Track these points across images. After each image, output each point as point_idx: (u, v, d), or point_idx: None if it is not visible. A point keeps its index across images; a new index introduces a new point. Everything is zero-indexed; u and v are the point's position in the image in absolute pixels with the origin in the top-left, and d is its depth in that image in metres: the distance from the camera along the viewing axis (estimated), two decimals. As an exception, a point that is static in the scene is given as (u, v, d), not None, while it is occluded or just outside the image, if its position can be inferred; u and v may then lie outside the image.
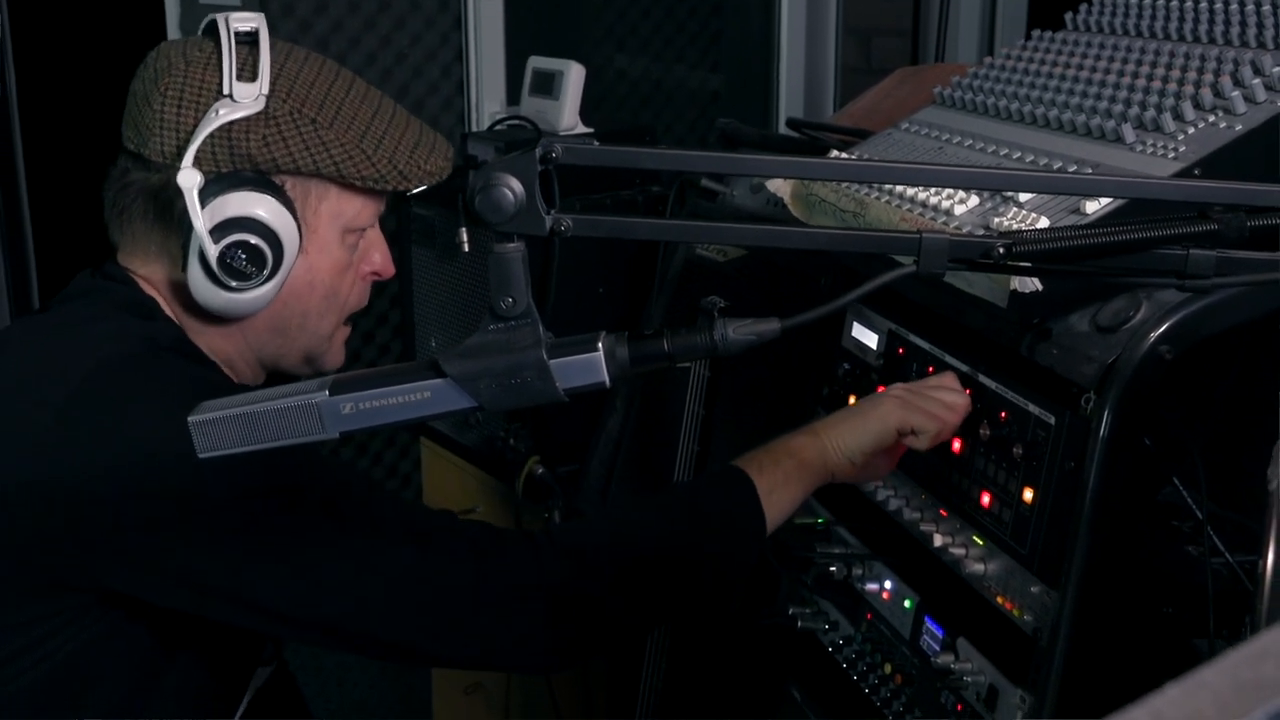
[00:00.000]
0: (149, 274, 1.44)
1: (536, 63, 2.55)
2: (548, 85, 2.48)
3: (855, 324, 1.64)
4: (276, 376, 1.53)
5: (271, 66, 1.37)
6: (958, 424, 1.41)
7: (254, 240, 1.34)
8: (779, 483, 1.44)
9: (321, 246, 1.44)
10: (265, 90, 1.35)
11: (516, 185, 0.90)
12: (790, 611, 1.67)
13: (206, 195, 1.33)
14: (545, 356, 0.94)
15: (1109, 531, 1.25)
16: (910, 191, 1.45)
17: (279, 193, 1.37)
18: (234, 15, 1.38)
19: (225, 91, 1.35)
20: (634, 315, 2.31)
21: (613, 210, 2.34)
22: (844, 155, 1.68)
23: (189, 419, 0.97)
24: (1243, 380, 1.29)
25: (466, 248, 2.42)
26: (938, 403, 1.41)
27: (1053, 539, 1.28)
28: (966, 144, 1.55)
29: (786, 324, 0.94)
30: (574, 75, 2.45)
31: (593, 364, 0.95)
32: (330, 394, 0.96)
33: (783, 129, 3.51)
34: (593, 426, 2.27)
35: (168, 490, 1.28)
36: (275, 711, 1.61)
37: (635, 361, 0.95)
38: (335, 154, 1.38)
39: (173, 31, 3.24)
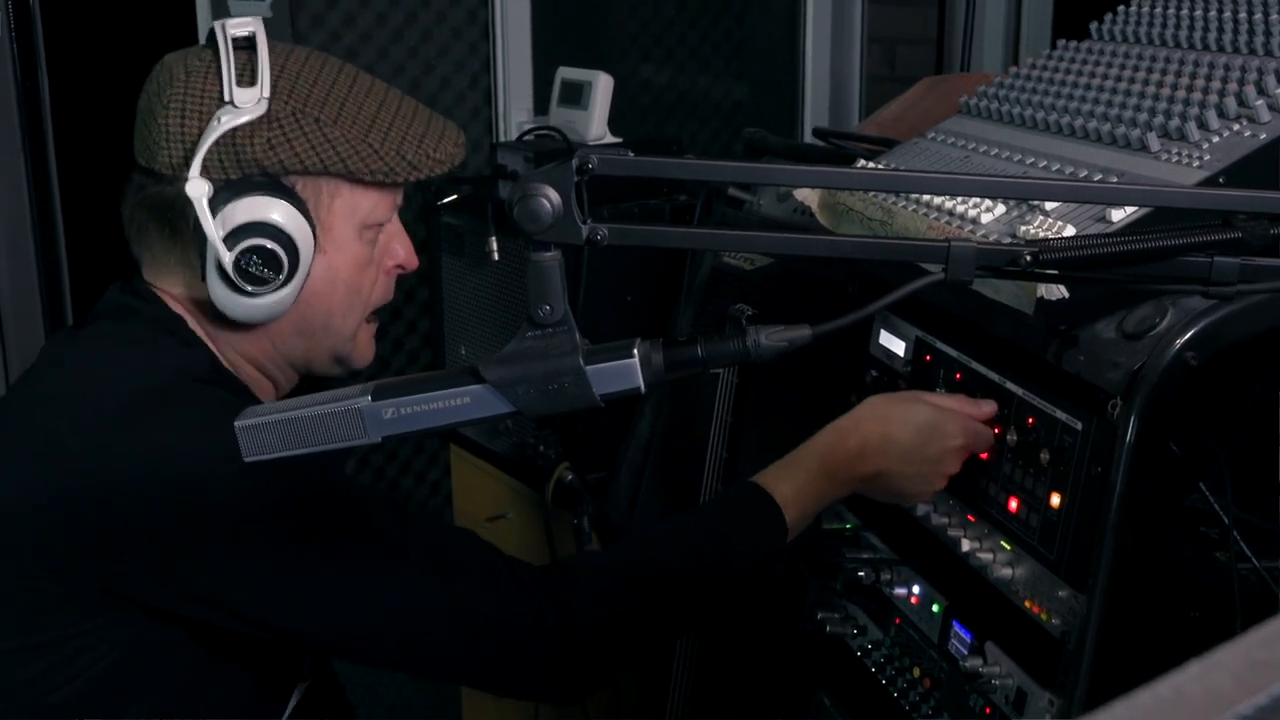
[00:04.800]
0: (172, 288, 1.45)
1: (565, 73, 2.57)
2: (576, 95, 2.50)
3: (883, 331, 1.65)
4: (309, 379, 1.55)
5: (271, 69, 1.37)
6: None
7: (268, 244, 1.34)
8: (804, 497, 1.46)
9: (339, 244, 1.44)
10: (266, 93, 1.35)
11: (554, 195, 0.92)
12: (819, 616, 1.68)
13: (217, 203, 1.33)
14: (582, 363, 0.96)
15: (1136, 536, 1.26)
16: (937, 200, 1.46)
17: (290, 194, 1.37)
18: (231, 21, 1.38)
19: (226, 98, 1.35)
20: (661, 323, 2.33)
21: (644, 220, 2.36)
22: (874, 165, 1.69)
23: (235, 423, 1.00)
24: (1268, 386, 1.30)
25: (496, 256, 2.45)
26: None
27: (1080, 544, 1.29)
28: (993, 153, 1.56)
29: (818, 330, 0.96)
30: (603, 85, 2.47)
31: (628, 370, 0.97)
32: (373, 399, 0.98)
33: (808, 138, 3.52)
34: (622, 433, 2.29)
35: (194, 506, 1.30)
36: None
37: (670, 368, 0.97)
38: (341, 150, 1.38)
39: (204, 39, 3.28)
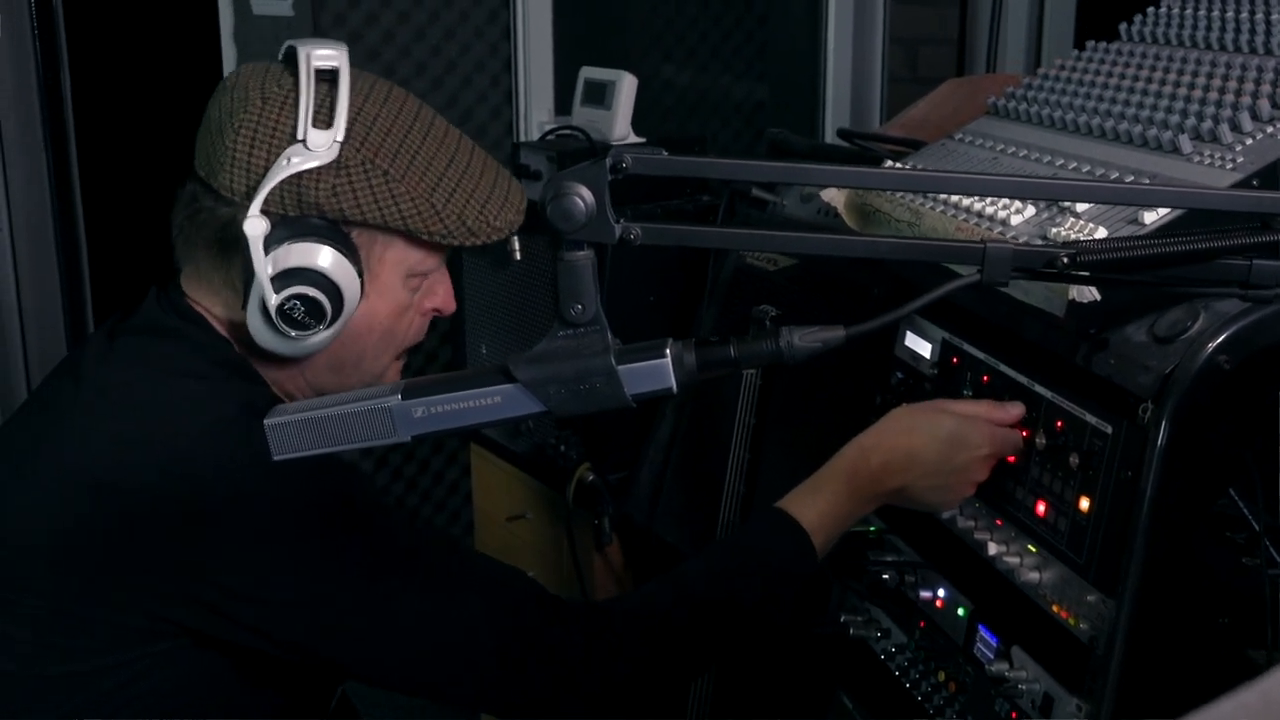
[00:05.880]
0: (213, 306, 1.43)
1: (589, 73, 2.56)
2: (600, 95, 2.50)
3: (909, 333, 1.64)
4: None
5: (350, 110, 1.33)
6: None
7: (313, 294, 1.32)
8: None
9: (383, 291, 1.42)
10: (340, 137, 1.32)
11: (587, 194, 0.91)
12: (842, 619, 1.67)
13: (271, 242, 1.31)
14: (614, 363, 0.96)
15: (1165, 541, 1.25)
16: (966, 202, 1.45)
17: (345, 242, 1.35)
18: (316, 51, 1.34)
19: (299, 137, 1.32)
20: (684, 324, 2.32)
21: (671, 220, 2.36)
22: (904, 166, 1.68)
23: (265, 421, 1.00)
24: (1301, 390, 1.29)
25: (518, 256, 2.44)
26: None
27: (1109, 548, 1.28)
28: (1021, 154, 1.55)
29: (852, 332, 0.95)
30: (626, 85, 2.47)
31: (661, 370, 0.97)
32: (403, 398, 0.98)
33: (829, 139, 3.51)
34: (644, 434, 2.28)
35: (247, 535, 1.31)
36: None
37: (703, 368, 0.97)
38: (404, 208, 1.36)
39: (226, 42, 3.28)
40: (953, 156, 1.64)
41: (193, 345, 1.41)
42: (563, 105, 3.20)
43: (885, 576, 1.59)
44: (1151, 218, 1.25)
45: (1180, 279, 0.95)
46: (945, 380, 1.56)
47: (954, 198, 1.47)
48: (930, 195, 1.50)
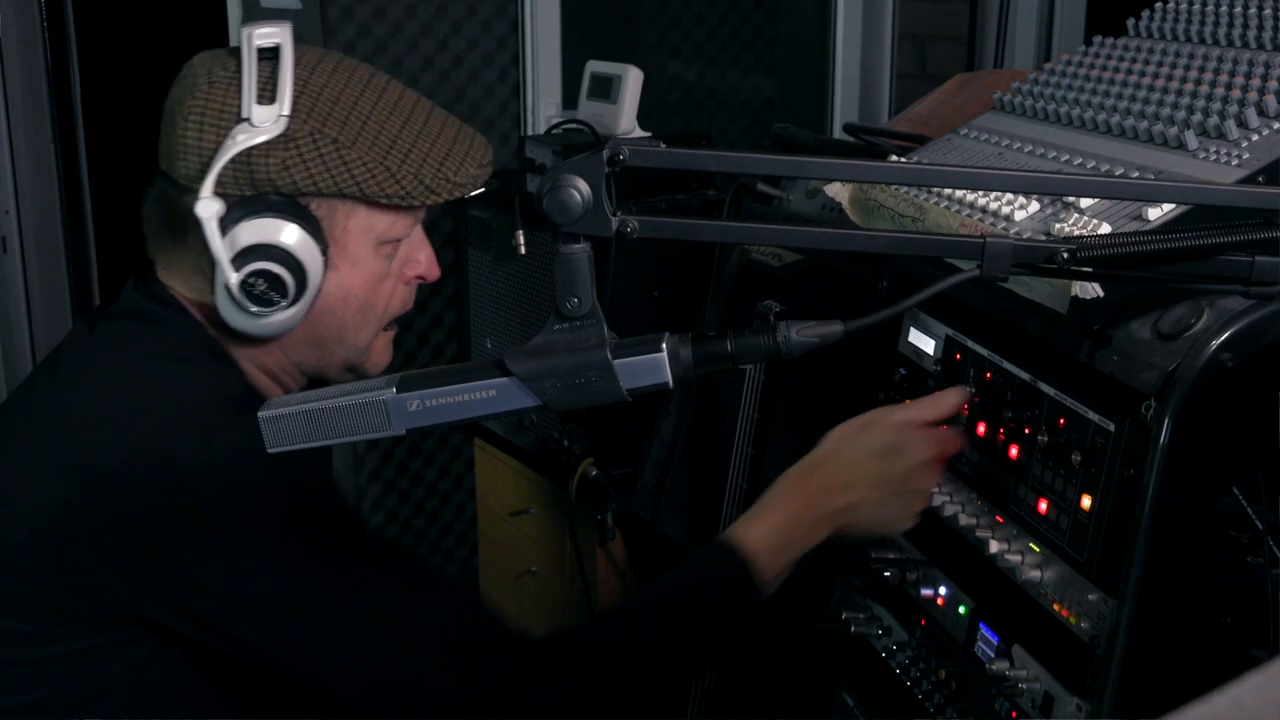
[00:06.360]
0: (187, 293, 1.44)
1: (595, 67, 2.56)
2: (606, 89, 2.49)
3: (912, 329, 1.63)
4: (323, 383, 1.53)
5: (294, 84, 1.34)
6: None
7: (273, 268, 1.32)
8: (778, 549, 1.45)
9: (353, 261, 1.42)
10: (285, 111, 1.33)
11: (584, 187, 0.91)
12: (844, 616, 1.67)
13: (228, 222, 1.32)
14: (610, 357, 0.95)
15: (1168, 540, 1.24)
16: (969, 197, 1.45)
17: (303, 215, 1.35)
18: (258, 30, 1.34)
19: (244, 115, 1.32)
20: (689, 318, 2.32)
21: (665, 214, 2.35)
22: (901, 161, 1.68)
23: (259, 414, 0.99)
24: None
25: (523, 250, 2.44)
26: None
27: (1111, 547, 1.27)
28: (1027, 149, 1.54)
29: (850, 326, 0.95)
30: (632, 79, 2.46)
31: (657, 364, 0.96)
32: (398, 391, 0.98)
33: (838, 135, 3.51)
34: (647, 429, 2.28)
35: (218, 527, 1.30)
36: None
37: (699, 362, 0.96)
38: (357, 174, 1.36)
39: (235, 36, 3.28)
40: (957, 152, 1.63)
41: (167, 327, 1.42)
42: (570, 99, 3.19)
43: (887, 574, 1.58)
44: (1156, 214, 1.24)
45: (1183, 276, 0.94)
46: (948, 377, 1.56)
47: (958, 193, 1.46)
48: (934, 190, 1.49)
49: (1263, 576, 1.29)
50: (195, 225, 1.34)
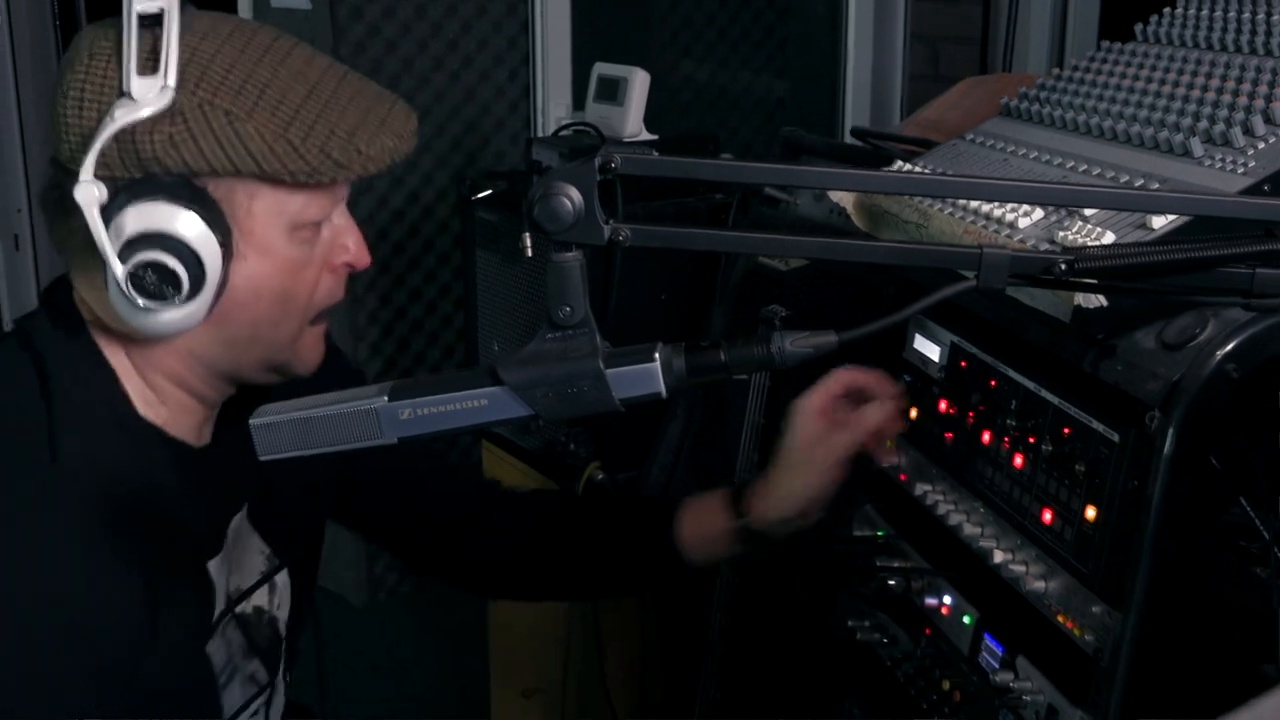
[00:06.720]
0: (84, 287, 1.31)
1: (602, 69, 2.55)
2: (612, 91, 2.48)
3: (918, 336, 1.62)
4: (247, 387, 1.41)
5: (181, 52, 1.18)
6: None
7: (164, 258, 1.17)
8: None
9: (263, 249, 1.27)
10: (170, 82, 1.17)
11: (575, 195, 0.90)
12: (849, 624, 1.66)
13: (112, 209, 1.18)
14: (602, 366, 0.94)
15: (1173, 552, 1.23)
16: (974, 204, 1.43)
17: (197, 198, 1.20)
18: None
19: (125, 89, 1.17)
20: (696, 323, 2.31)
21: (672, 220, 2.34)
22: (906, 167, 1.66)
23: (250, 421, 0.99)
24: (1312, 399, 1.26)
25: (530, 252, 2.42)
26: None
27: (1115, 558, 1.26)
28: (1032, 156, 1.53)
29: (844, 337, 0.94)
30: (639, 82, 2.45)
31: (649, 374, 0.95)
32: (389, 399, 0.97)
33: (849, 137, 3.50)
34: (653, 433, 2.27)
35: None
36: None
37: (692, 372, 0.96)
38: (254, 148, 1.21)
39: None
40: (963, 158, 1.62)
41: (38, 336, 1.32)
42: (581, 101, 3.19)
43: (892, 582, 1.57)
44: (1160, 222, 1.23)
45: (1183, 287, 0.93)
46: (953, 384, 1.54)
47: (962, 200, 1.45)
48: (937, 197, 1.48)
49: (1271, 589, 1.27)
50: (81, 215, 1.19)
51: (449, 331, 3.44)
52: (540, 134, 3.31)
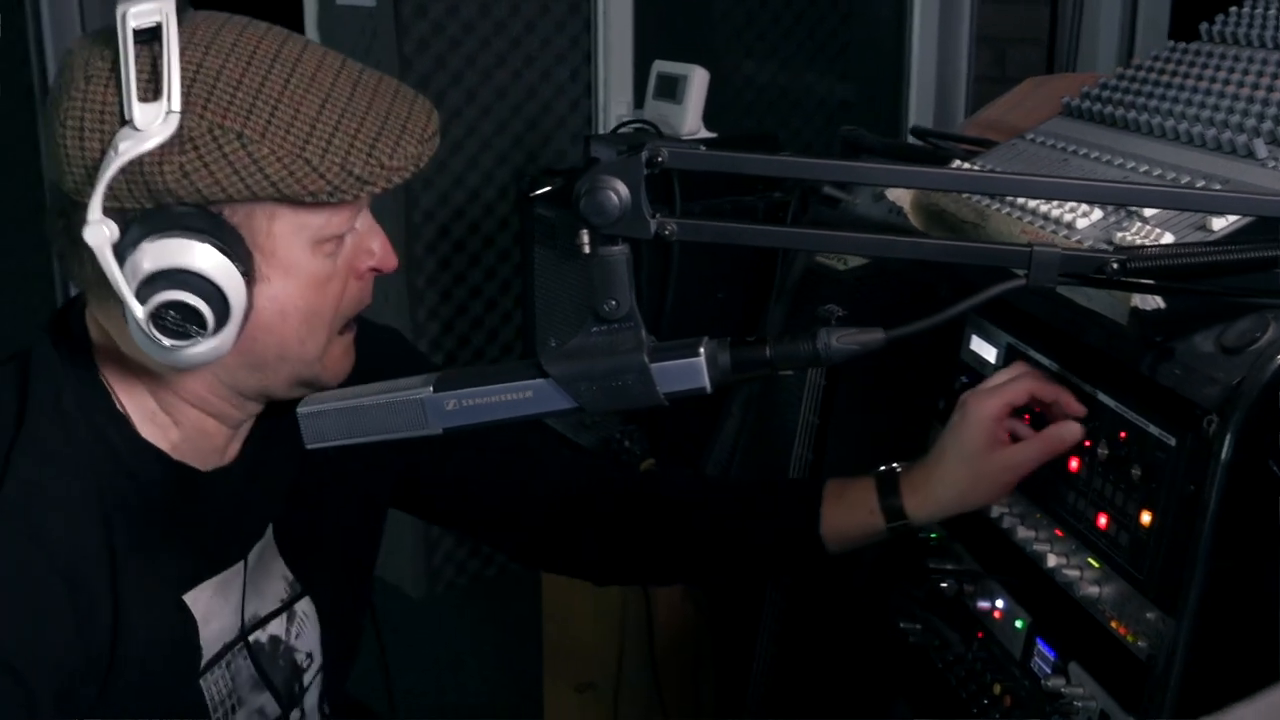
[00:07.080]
0: (102, 316, 1.24)
1: (661, 66, 2.55)
2: (671, 89, 2.48)
3: (974, 336, 1.61)
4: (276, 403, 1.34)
5: (184, 72, 1.10)
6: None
7: (186, 298, 1.10)
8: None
9: (286, 269, 1.20)
10: (175, 106, 1.09)
11: (622, 188, 0.90)
12: (901, 625, 1.65)
13: (125, 244, 1.11)
14: (647, 360, 0.94)
15: (1229, 558, 1.21)
16: (1031, 204, 1.42)
17: (215, 228, 1.13)
18: (133, 8, 1.09)
19: (127, 116, 1.09)
20: (753, 321, 2.30)
21: (730, 217, 2.33)
22: (963, 165, 1.65)
23: (298, 410, 1.00)
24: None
25: (587, 249, 2.43)
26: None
27: (1171, 564, 1.24)
28: (1092, 156, 1.51)
29: (892, 335, 0.93)
30: (698, 79, 2.45)
31: (694, 369, 0.95)
32: (435, 390, 0.98)
33: (908, 139, 3.47)
34: (709, 430, 2.27)
35: None
36: None
37: (737, 368, 0.95)
38: (272, 173, 1.13)
39: (310, 34, 3.31)
40: (1022, 157, 1.60)
41: (36, 367, 1.26)
42: (642, 99, 3.20)
43: (944, 585, 1.56)
44: (1220, 224, 1.21)
45: (1240, 289, 0.91)
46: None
47: (1020, 199, 1.43)
48: (996, 196, 1.47)
49: (1329, 597, 1.25)
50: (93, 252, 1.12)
51: (508, 328, 3.46)
52: (601, 132, 3.31)
